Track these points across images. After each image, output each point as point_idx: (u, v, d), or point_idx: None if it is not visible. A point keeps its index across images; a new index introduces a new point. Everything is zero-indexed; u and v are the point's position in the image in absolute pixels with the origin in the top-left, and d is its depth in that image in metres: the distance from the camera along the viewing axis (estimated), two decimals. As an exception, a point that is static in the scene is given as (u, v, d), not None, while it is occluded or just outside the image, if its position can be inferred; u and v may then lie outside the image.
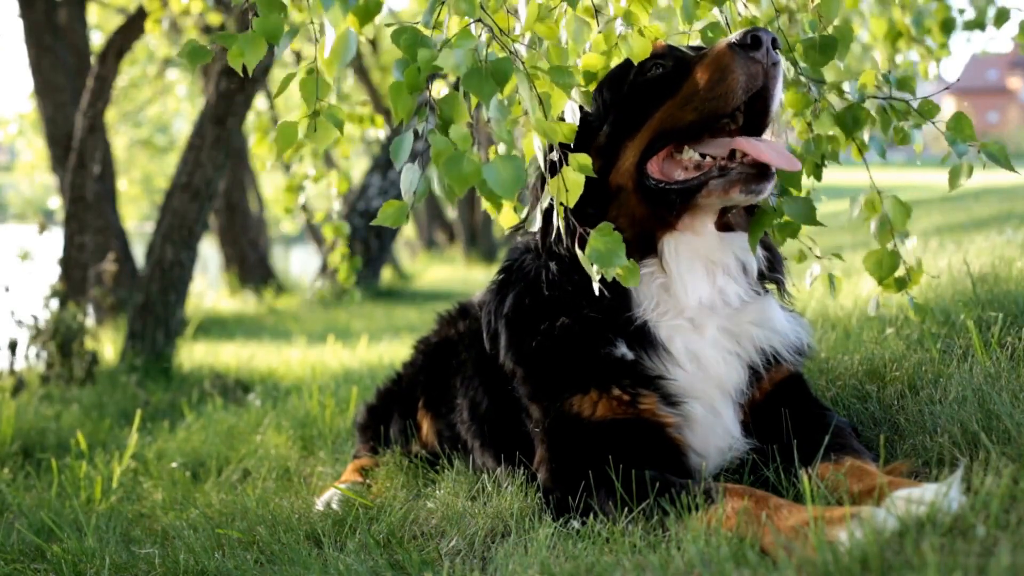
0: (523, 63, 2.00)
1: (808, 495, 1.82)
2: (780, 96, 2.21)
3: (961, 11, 3.79)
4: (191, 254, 6.01)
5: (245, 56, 1.96)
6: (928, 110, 2.47)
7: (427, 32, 1.91)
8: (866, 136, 2.56)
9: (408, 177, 1.91)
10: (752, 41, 2.12)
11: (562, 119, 2.14)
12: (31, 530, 2.81)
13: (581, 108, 2.36)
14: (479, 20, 1.94)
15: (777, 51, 2.16)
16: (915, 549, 1.52)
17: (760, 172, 2.17)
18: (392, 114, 1.90)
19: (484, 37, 1.92)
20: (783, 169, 2.19)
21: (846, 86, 2.50)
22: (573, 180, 2.00)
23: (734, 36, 2.17)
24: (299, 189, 4.04)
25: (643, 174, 2.24)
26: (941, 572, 1.45)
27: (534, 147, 2.06)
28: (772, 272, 2.41)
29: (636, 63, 2.29)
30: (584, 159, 2.01)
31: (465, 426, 2.71)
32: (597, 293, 2.10)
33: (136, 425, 3.86)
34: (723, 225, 2.32)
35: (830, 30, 2.47)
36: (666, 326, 2.27)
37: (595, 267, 2.01)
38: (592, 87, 2.37)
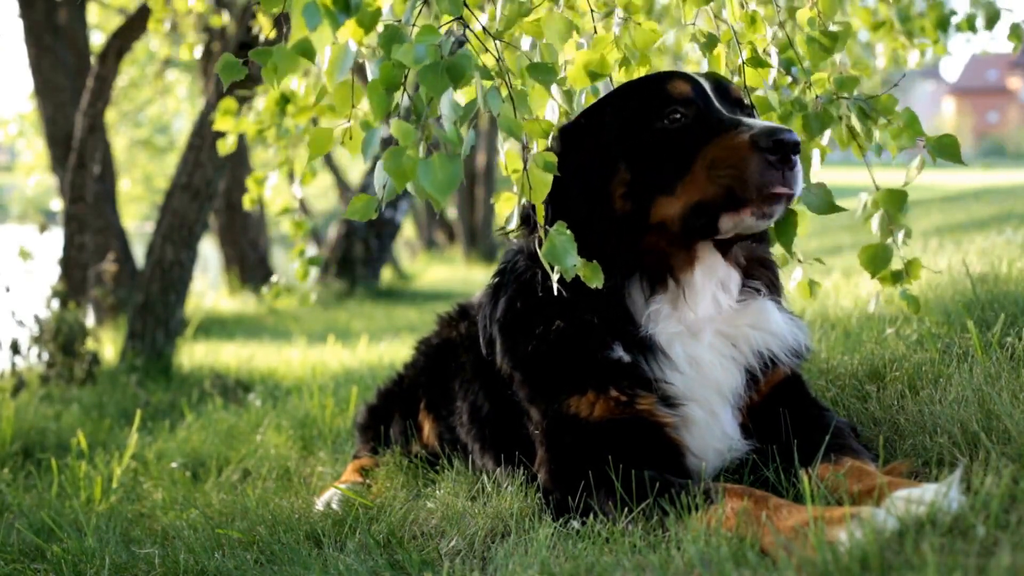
0: (501, 59, 1.99)
1: (808, 495, 1.82)
2: (797, 194, 2.18)
3: (953, 12, 3.80)
4: (191, 254, 6.01)
5: (279, 71, 1.95)
6: (886, 106, 2.44)
7: (407, 30, 1.91)
8: (847, 131, 2.53)
9: (380, 173, 1.91)
10: (775, 145, 2.07)
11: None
12: (31, 530, 2.81)
13: (593, 114, 2.35)
14: (459, 18, 1.94)
15: (797, 156, 2.11)
16: (915, 549, 1.52)
17: (770, 197, 2.13)
18: (371, 111, 1.90)
19: (452, 33, 1.92)
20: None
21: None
22: (538, 178, 1.99)
23: (758, 131, 2.10)
24: (264, 180, 4.01)
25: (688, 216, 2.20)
26: (941, 572, 1.45)
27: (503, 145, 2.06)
28: (772, 294, 2.41)
29: (657, 98, 2.25)
30: (550, 157, 2.00)
31: (465, 429, 2.71)
32: (555, 292, 2.10)
33: (136, 425, 3.86)
34: (729, 260, 2.32)
35: (831, 27, 2.47)
36: (664, 332, 2.27)
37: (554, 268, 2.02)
38: (588, 84, 2.35)
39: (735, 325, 2.30)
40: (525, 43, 2.29)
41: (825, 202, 2.39)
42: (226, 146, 3.88)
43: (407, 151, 1.83)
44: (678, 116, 2.24)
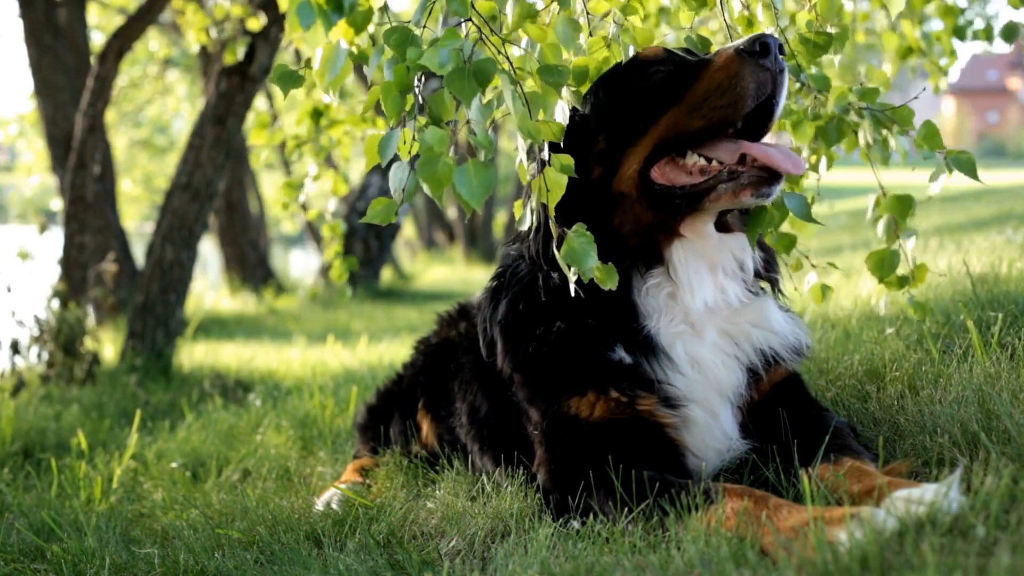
0: (511, 62, 2.00)
1: (808, 495, 1.82)
2: (783, 102, 2.21)
3: (970, 23, 3.83)
4: (191, 254, 6.01)
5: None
6: (904, 117, 2.50)
7: (417, 31, 1.91)
8: (862, 140, 2.59)
9: (397, 175, 1.91)
10: (761, 48, 2.11)
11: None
12: (31, 530, 2.81)
13: (576, 109, 2.36)
14: (469, 20, 1.94)
15: (783, 57, 2.15)
16: (915, 549, 1.52)
17: (770, 176, 2.17)
18: (385, 113, 1.90)
19: (470, 36, 1.92)
20: (792, 174, 2.20)
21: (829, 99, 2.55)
22: (554, 180, 1.99)
23: (741, 42, 2.14)
24: (299, 187, 4.05)
25: (647, 180, 2.23)
26: (941, 572, 1.45)
27: (517, 148, 2.06)
28: (768, 272, 2.42)
29: (633, 65, 2.28)
30: (567, 159, 2.00)
31: (464, 430, 2.71)
32: (572, 294, 2.09)
33: (136, 425, 3.86)
34: (721, 226, 2.32)
35: (828, 29, 2.48)
36: (667, 332, 2.27)
37: (571, 269, 2.01)
38: (584, 87, 2.36)
39: (736, 323, 2.30)
40: (525, 43, 2.30)
41: (805, 210, 2.46)
42: (259, 160, 3.93)
43: (442, 158, 1.83)
44: (659, 72, 2.26)
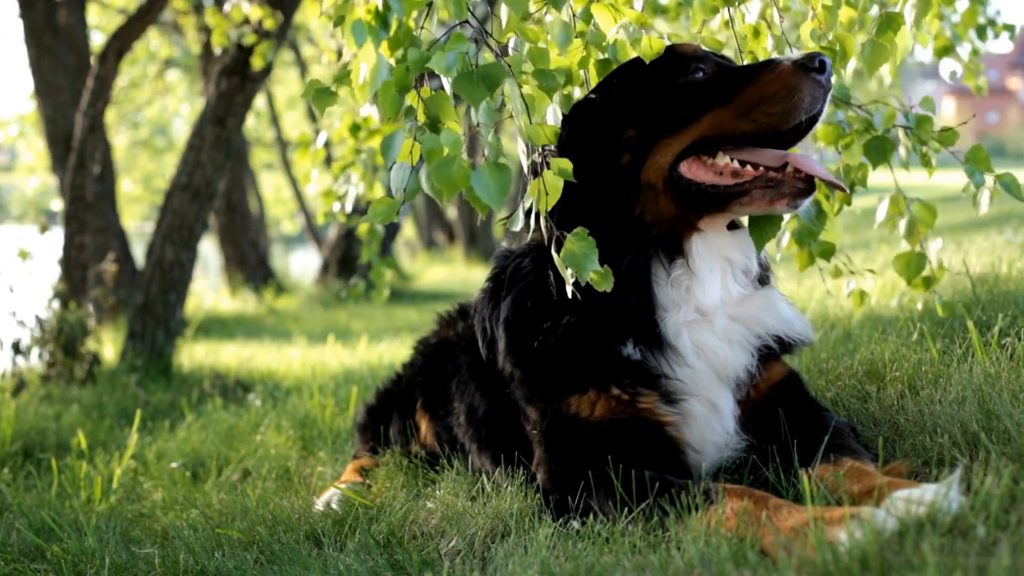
0: (509, 66, 2.00)
1: (808, 495, 1.82)
2: (822, 120, 2.25)
3: (991, 22, 3.88)
4: (191, 254, 6.01)
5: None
6: (946, 138, 2.56)
7: (416, 32, 1.92)
8: (902, 152, 2.68)
9: (398, 175, 1.91)
10: (819, 65, 2.15)
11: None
12: (31, 530, 2.81)
13: (594, 93, 2.35)
14: (466, 22, 1.95)
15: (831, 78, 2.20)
16: (915, 549, 1.52)
17: (807, 188, 2.19)
18: (381, 113, 1.92)
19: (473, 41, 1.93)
20: (839, 191, 2.23)
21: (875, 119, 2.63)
22: (552, 183, 1.99)
23: (800, 56, 2.18)
24: (340, 197, 4.05)
25: (675, 174, 2.23)
26: (941, 572, 1.45)
27: (517, 150, 2.07)
28: (763, 271, 2.42)
29: (670, 58, 2.29)
30: (565, 163, 2.00)
31: (462, 429, 2.71)
32: (569, 295, 2.10)
33: (136, 425, 3.86)
34: (730, 223, 2.33)
35: (831, 37, 2.49)
36: (677, 323, 2.27)
37: (569, 270, 2.02)
38: (568, 88, 2.36)
39: (746, 309, 2.31)
40: (516, 45, 2.30)
41: (819, 218, 2.57)
42: (309, 179, 3.97)
43: (457, 160, 1.83)
44: (701, 69, 2.27)
